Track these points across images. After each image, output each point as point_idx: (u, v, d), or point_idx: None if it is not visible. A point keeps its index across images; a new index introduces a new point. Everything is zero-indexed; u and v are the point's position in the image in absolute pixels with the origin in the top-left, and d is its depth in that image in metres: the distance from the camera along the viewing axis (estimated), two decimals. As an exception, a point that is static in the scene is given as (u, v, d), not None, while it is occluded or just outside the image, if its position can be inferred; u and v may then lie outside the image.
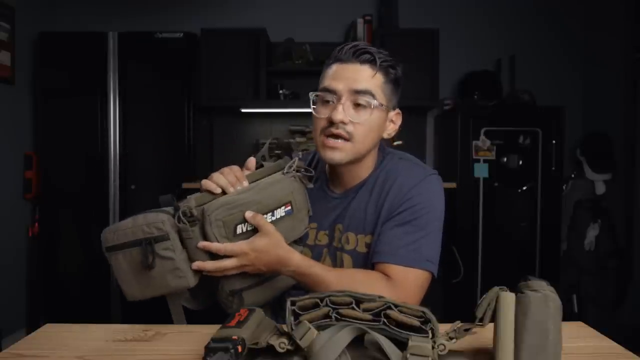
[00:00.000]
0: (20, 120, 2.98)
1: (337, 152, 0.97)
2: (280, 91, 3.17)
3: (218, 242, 0.83)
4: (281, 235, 0.88)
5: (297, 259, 0.90)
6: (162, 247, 0.81)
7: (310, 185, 0.99)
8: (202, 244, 0.82)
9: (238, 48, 3.05)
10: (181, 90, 2.87)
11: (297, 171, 0.94)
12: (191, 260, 0.84)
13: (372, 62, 0.97)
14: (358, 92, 0.95)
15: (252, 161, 0.95)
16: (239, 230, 0.84)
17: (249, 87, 3.07)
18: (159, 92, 2.87)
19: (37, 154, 2.94)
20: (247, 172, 0.93)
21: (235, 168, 0.91)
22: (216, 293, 0.92)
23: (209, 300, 0.96)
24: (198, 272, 0.85)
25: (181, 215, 0.82)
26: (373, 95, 0.96)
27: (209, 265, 0.84)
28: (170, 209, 0.84)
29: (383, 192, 1.01)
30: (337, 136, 0.96)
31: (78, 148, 2.84)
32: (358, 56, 0.97)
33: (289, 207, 0.91)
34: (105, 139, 2.82)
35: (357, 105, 0.96)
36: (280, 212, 0.89)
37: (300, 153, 1.05)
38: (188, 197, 0.85)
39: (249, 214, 0.85)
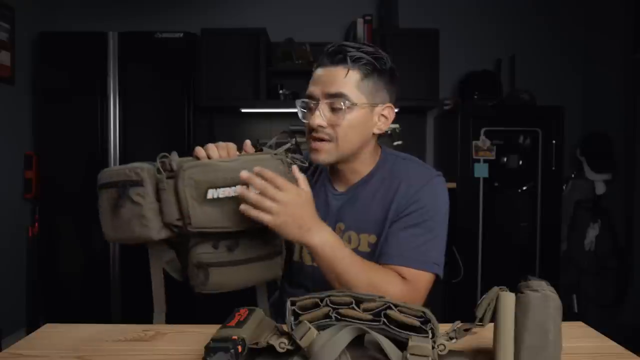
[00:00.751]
0: (20, 120, 2.98)
1: (321, 154, 0.99)
2: (280, 91, 3.17)
3: (187, 202, 0.82)
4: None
5: (331, 229, 0.90)
6: (135, 191, 0.83)
7: (298, 175, 0.96)
8: (244, 174, 0.81)
9: (238, 48, 3.05)
10: (181, 90, 2.87)
11: (293, 161, 0.92)
12: (162, 214, 0.84)
13: (343, 60, 0.97)
14: (331, 96, 0.97)
15: (248, 143, 0.95)
16: (209, 195, 0.83)
17: (249, 87, 3.07)
18: (159, 92, 2.87)
19: (37, 154, 2.94)
20: (243, 153, 0.93)
21: (231, 145, 0.92)
22: (187, 266, 0.91)
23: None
24: (166, 227, 0.85)
25: (159, 165, 0.84)
26: (346, 97, 0.96)
27: (252, 195, 0.81)
28: (158, 158, 0.86)
29: (389, 192, 1.01)
30: (320, 139, 0.98)
31: (78, 148, 2.84)
32: (331, 58, 0.98)
33: None
34: (105, 139, 2.82)
35: (334, 108, 0.97)
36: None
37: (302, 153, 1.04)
38: (173, 152, 0.87)
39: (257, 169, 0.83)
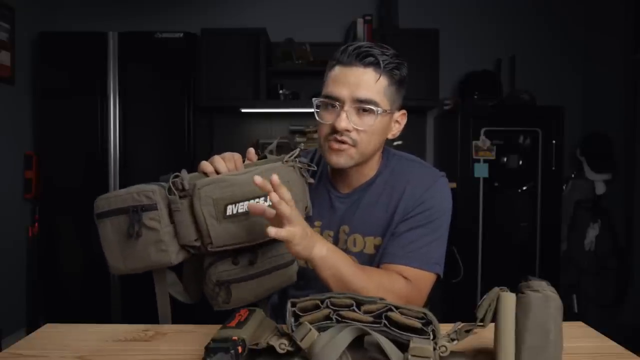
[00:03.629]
0: (20, 120, 2.98)
1: (342, 157, 0.96)
2: (280, 91, 3.16)
3: (207, 222, 0.79)
4: None
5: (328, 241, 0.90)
6: (149, 216, 0.80)
7: (311, 180, 0.96)
8: (274, 178, 0.75)
9: (238, 48, 3.05)
10: (181, 90, 2.86)
11: (305, 167, 0.92)
12: (178, 236, 0.82)
13: (375, 64, 0.94)
14: (361, 101, 0.94)
15: (251, 151, 0.93)
16: (228, 211, 0.81)
17: (249, 87, 3.06)
18: (159, 92, 2.87)
19: (37, 154, 2.93)
20: (247, 162, 0.91)
21: (237, 156, 0.90)
22: (202, 283, 0.89)
23: (199, 293, 0.94)
24: (183, 250, 0.83)
25: (172, 186, 0.81)
26: (377, 104, 0.94)
27: (284, 206, 0.75)
28: (165, 183, 0.83)
29: (394, 194, 1.01)
30: (343, 142, 0.95)
31: (78, 148, 2.84)
32: (362, 59, 0.94)
33: None
34: (105, 139, 2.82)
35: (360, 111, 0.95)
36: None
37: (300, 146, 1.03)
38: (183, 170, 0.83)
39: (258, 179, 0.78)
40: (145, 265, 0.82)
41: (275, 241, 0.86)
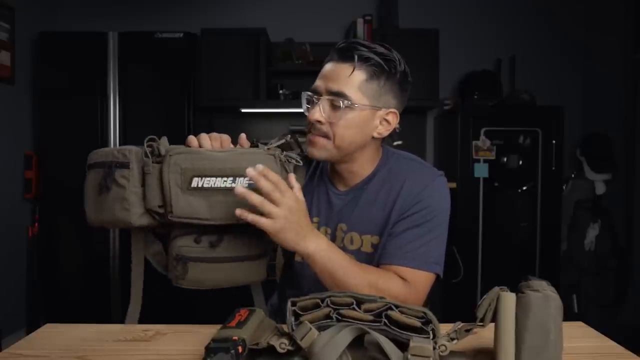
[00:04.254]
0: (20, 120, 2.98)
1: (317, 149, 0.98)
2: (280, 91, 3.17)
3: (171, 189, 0.80)
4: None
5: (323, 235, 0.90)
6: (120, 174, 0.82)
7: (291, 175, 0.92)
8: (260, 167, 0.79)
9: (238, 48, 3.05)
10: (181, 90, 2.86)
11: (287, 160, 0.90)
12: (145, 199, 0.82)
13: (351, 59, 0.95)
14: (332, 93, 0.95)
15: (243, 137, 0.92)
16: (194, 183, 0.81)
17: (249, 87, 3.06)
18: (159, 92, 2.87)
19: (37, 154, 2.94)
20: (238, 147, 0.90)
21: (225, 137, 0.91)
22: (167, 257, 0.89)
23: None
24: (147, 214, 0.83)
25: (146, 149, 0.82)
26: (345, 96, 0.94)
27: (255, 197, 0.78)
28: (146, 141, 0.84)
29: (392, 192, 1.01)
30: (317, 135, 0.97)
31: (78, 148, 2.82)
32: (340, 54, 0.96)
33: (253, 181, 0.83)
34: (105, 139, 2.82)
35: (333, 103, 0.95)
36: (242, 182, 0.82)
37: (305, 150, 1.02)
38: (164, 137, 0.85)
39: (259, 167, 0.80)
40: (110, 220, 0.84)
41: (246, 230, 0.85)
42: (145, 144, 0.83)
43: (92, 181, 0.85)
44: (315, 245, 0.86)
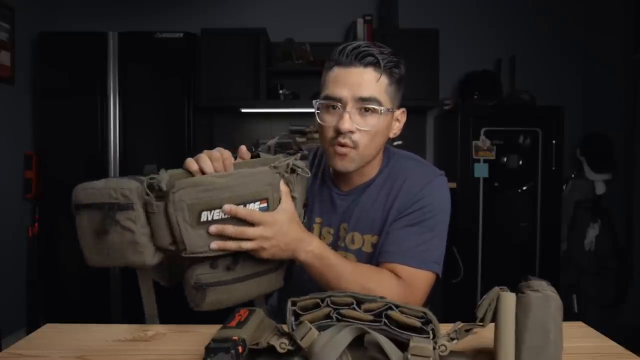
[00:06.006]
0: (20, 120, 2.98)
1: (346, 161, 0.96)
2: (280, 91, 3.16)
3: (180, 227, 0.76)
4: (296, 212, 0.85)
5: (317, 240, 0.88)
6: (124, 216, 0.76)
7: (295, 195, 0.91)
8: (227, 207, 0.76)
9: (238, 48, 3.05)
10: (181, 90, 2.86)
11: (293, 170, 0.86)
12: (154, 238, 0.78)
13: (375, 64, 0.94)
14: (364, 100, 0.93)
15: (243, 149, 0.89)
16: (203, 218, 0.76)
17: (249, 87, 3.06)
18: (159, 92, 2.87)
19: (37, 154, 2.94)
20: (238, 161, 0.87)
21: (227, 154, 0.83)
22: (183, 283, 0.85)
23: (177, 278, 0.90)
24: (159, 252, 0.79)
25: (146, 187, 0.76)
26: (379, 102, 0.94)
27: (229, 229, 0.77)
28: (146, 178, 0.78)
29: (392, 192, 1.01)
30: (346, 145, 0.95)
31: (78, 148, 2.84)
32: (361, 59, 0.93)
33: (265, 204, 0.81)
34: (105, 139, 2.82)
35: (363, 111, 0.94)
36: (253, 207, 0.80)
37: (304, 152, 0.99)
38: (162, 170, 0.79)
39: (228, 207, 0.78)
40: (121, 263, 0.80)
41: None
42: (145, 182, 0.76)
43: (87, 224, 0.79)
44: (305, 255, 0.85)
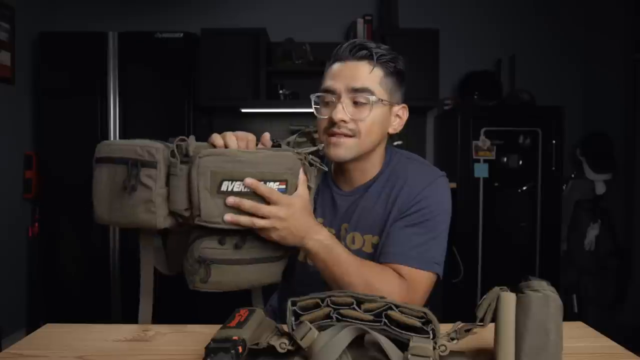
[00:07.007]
0: (20, 120, 2.98)
1: (342, 149, 0.97)
2: (280, 91, 3.17)
3: (199, 193, 0.77)
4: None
5: (326, 231, 0.89)
6: (146, 173, 0.78)
7: (312, 185, 0.94)
8: (249, 180, 0.77)
9: (238, 48, 3.05)
10: (181, 90, 2.86)
11: (311, 164, 0.88)
12: (170, 201, 0.79)
13: (369, 57, 0.97)
14: (356, 90, 0.95)
15: (266, 136, 0.91)
16: (223, 187, 0.77)
17: (249, 87, 3.07)
18: (159, 92, 2.87)
19: (37, 154, 2.94)
20: (260, 147, 0.88)
21: (251, 137, 0.86)
22: (184, 258, 0.85)
23: (179, 267, 0.90)
24: (170, 216, 0.80)
25: (175, 148, 0.78)
26: (371, 92, 0.96)
27: (247, 203, 0.77)
28: (176, 140, 0.80)
29: (393, 192, 1.01)
30: (341, 134, 0.96)
31: (78, 148, 2.83)
32: (355, 53, 0.97)
33: (284, 186, 0.82)
34: (105, 139, 2.81)
35: (356, 102, 0.96)
36: (272, 186, 0.81)
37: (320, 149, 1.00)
38: (191, 136, 0.81)
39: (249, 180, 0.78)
40: (130, 222, 0.80)
41: None
42: (174, 144, 0.79)
43: (107, 178, 0.80)
44: (313, 243, 0.86)
